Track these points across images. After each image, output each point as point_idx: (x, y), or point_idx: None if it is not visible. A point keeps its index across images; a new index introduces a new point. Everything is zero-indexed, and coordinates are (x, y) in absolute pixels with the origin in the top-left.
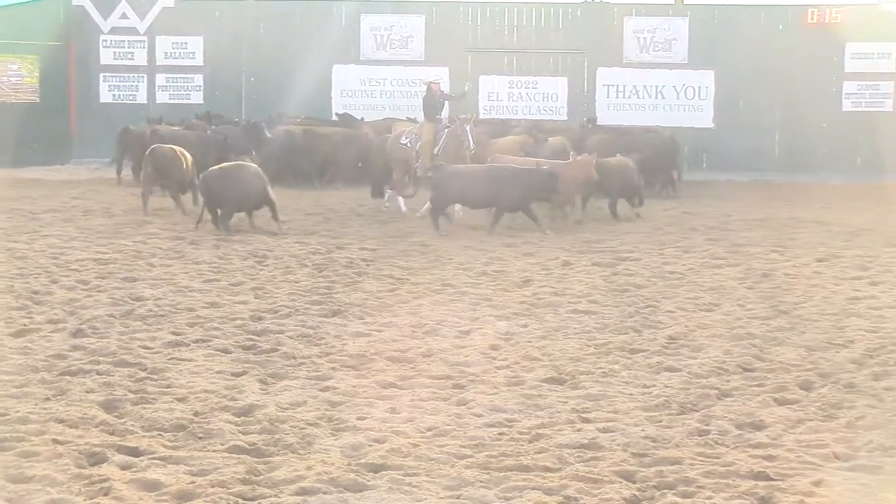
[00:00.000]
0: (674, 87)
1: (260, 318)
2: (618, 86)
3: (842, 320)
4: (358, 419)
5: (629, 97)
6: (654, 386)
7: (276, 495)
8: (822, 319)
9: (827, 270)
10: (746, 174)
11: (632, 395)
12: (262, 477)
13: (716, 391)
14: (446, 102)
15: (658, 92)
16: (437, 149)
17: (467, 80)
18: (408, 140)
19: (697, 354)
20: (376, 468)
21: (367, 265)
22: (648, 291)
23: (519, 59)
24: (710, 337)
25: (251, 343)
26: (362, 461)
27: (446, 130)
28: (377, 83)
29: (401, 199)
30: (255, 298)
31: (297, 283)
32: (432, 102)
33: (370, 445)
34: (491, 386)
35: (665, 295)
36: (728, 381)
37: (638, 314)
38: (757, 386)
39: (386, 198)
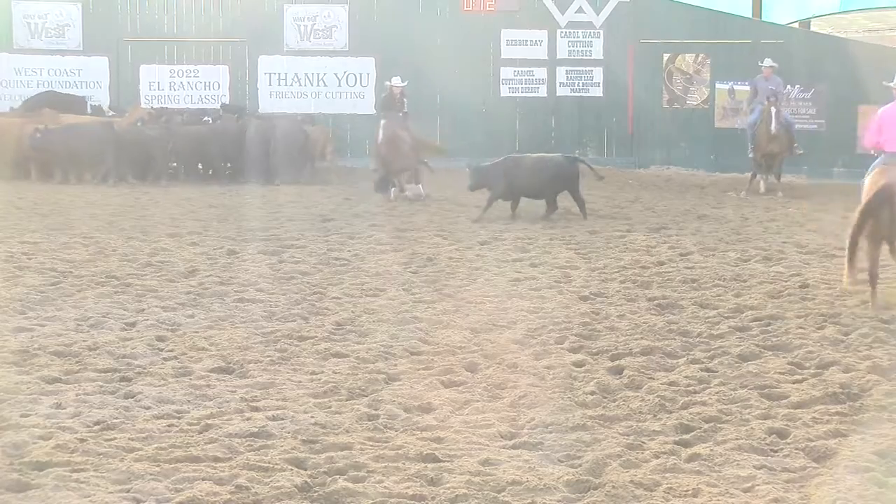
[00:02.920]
0: (335, 74)
1: None
2: (279, 73)
3: (504, 302)
4: (21, 416)
5: (291, 85)
6: (323, 372)
7: None
8: (486, 302)
9: (489, 253)
10: None
11: (300, 382)
12: None
13: (383, 375)
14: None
15: (319, 79)
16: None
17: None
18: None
19: (364, 339)
20: (41, 466)
21: (29, 259)
22: (315, 278)
23: (179, 48)
24: (376, 322)
25: None
26: (25, 460)
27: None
28: (34, 73)
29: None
30: None
31: None
32: (392, 102)
33: (34, 443)
34: (159, 378)
35: (331, 281)
36: (395, 365)
37: (305, 301)
38: (424, 369)
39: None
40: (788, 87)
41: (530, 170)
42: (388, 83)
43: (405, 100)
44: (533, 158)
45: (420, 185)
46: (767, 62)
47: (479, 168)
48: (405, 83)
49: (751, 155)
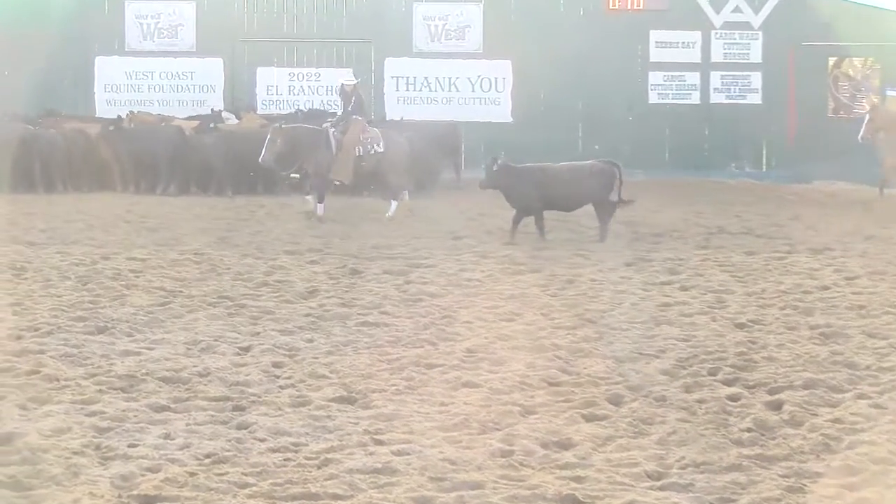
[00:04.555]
0: (468, 78)
1: (18, 337)
2: (407, 77)
3: (652, 329)
4: (129, 446)
5: (420, 90)
6: (453, 403)
7: None
8: (631, 328)
9: (635, 275)
10: None
11: (428, 413)
12: None
13: (519, 408)
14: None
15: (451, 84)
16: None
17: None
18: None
19: (498, 368)
20: (150, 500)
21: (136, 276)
22: (444, 301)
23: (300, 50)
24: (511, 349)
25: (9, 365)
26: (134, 492)
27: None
28: (145, 76)
29: None
30: (13, 315)
31: (59, 297)
32: (345, 101)
33: (142, 475)
34: (274, 407)
35: (462, 304)
36: (532, 396)
37: (433, 326)
38: (563, 401)
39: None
40: None
41: (558, 179)
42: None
43: (354, 99)
44: (563, 166)
45: (309, 199)
46: None
47: (503, 167)
48: (357, 80)
49: None
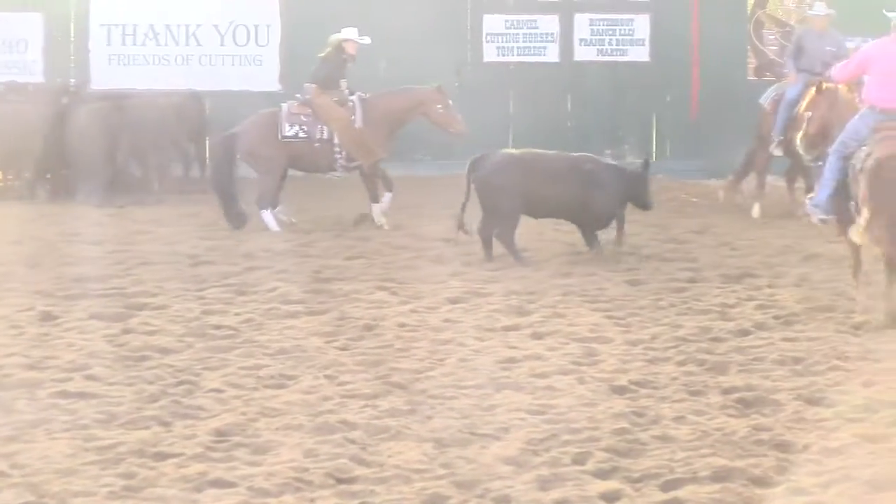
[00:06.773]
0: (215, 26)
1: None
2: (124, 26)
3: (490, 396)
4: None
5: (144, 44)
6: None
7: None
8: (461, 396)
9: (465, 317)
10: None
11: None
12: None
13: None
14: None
15: (190, 35)
16: None
17: None
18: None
19: (262, 458)
20: None
21: None
22: (182, 359)
23: None
24: (282, 429)
25: None
26: None
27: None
28: None
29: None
30: None
31: None
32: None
33: None
34: None
35: (208, 364)
36: (312, 499)
37: (165, 396)
38: None
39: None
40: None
41: None
42: (336, 36)
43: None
44: None
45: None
46: (820, 8)
47: None
48: (366, 40)
49: (773, 149)
